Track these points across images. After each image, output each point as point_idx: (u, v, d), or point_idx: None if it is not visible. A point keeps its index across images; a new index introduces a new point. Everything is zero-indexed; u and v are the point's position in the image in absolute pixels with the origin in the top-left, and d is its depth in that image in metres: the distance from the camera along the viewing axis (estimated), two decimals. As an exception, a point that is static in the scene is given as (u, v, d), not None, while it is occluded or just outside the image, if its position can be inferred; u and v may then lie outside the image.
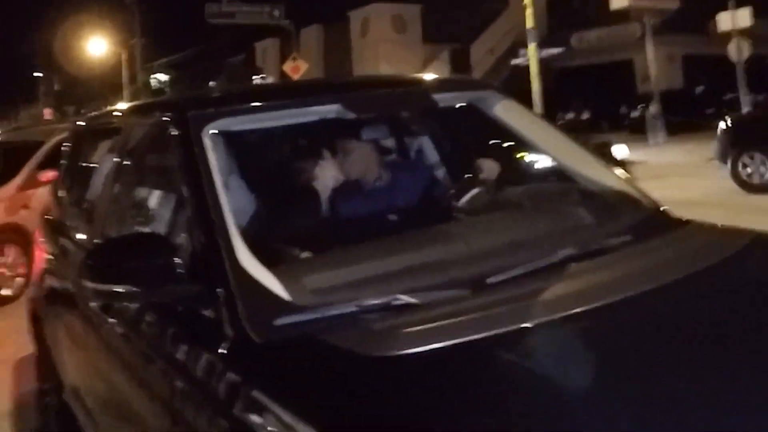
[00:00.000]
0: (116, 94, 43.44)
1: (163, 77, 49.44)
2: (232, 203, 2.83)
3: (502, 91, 3.64)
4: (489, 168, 3.79)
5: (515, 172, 4.23)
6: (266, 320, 2.27)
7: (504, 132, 3.59)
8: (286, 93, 3.73)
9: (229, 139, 3.45)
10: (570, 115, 29.14)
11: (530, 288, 2.40)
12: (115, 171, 3.87)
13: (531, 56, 21.08)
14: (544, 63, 23.06)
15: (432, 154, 4.34)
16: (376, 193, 3.77)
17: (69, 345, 4.10)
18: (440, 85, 3.69)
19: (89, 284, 2.52)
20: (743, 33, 22.61)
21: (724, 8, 23.05)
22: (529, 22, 21.09)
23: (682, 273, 2.44)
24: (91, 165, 4.66)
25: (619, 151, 9.57)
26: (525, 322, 2.15)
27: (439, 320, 2.20)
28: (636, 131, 25.09)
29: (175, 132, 2.98)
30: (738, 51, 22.48)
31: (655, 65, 24.87)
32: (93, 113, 5.88)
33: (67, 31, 44.47)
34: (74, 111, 58.00)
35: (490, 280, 2.44)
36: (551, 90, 26.37)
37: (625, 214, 3.01)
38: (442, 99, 3.45)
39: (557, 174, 3.60)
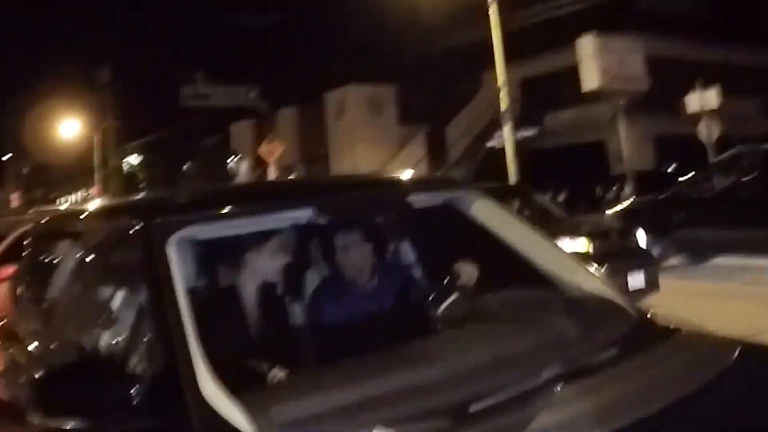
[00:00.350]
0: (87, 178, 43.22)
1: (135, 160, 49.17)
2: (201, 309, 2.72)
3: (480, 191, 3.63)
4: (468, 272, 3.63)
5: (494, 277, 3.96)
6: None
7: (482, 233, 3.52)
8: (258, 196, 3.57)
9: (197, 243, 3.34)
10: (546, 197, 29.08)
11: (516, 417, 2.29)
12: (77, 273, 3.74)
13: (507, 138, 21.15)
14: (518, 144, 23.20)
15: (409, 256, 4.24)
16: (353, 299, 3.72)
17: None
18: (416, 186, 3.65)
19: (35, 419, 2.37)
20: (712, 113, 22.88)
21: (693, 88, 23.39)
22: (503, 104, 21.25)
23: (676, 395, 2.37)
24: (53, 264, 4.45)
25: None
26: None
27: None
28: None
29: (137, 241, 2.90)
30: (708, 131, 22.68)
31: (628, 145, 25.07)
32: (56, 210, 5.78)
33: (37, 112, 43.78)
34: (43, 195, 57.42)
35: (473, 408, 2.33)
36: (526, 171, 26.53)
37: (610, 324, 2.92)
38: (419, 200, 3.42)
39: (537, 278, 3.48)
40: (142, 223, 2.91)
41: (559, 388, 2.39)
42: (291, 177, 34.92)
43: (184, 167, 46.24)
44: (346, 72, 33.24)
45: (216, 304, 3.40)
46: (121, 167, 45.66)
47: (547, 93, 31.58)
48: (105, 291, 3.37)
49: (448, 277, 3.56)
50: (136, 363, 2.65)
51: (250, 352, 3.14)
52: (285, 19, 34.26)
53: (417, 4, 25.08)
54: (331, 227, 3.66)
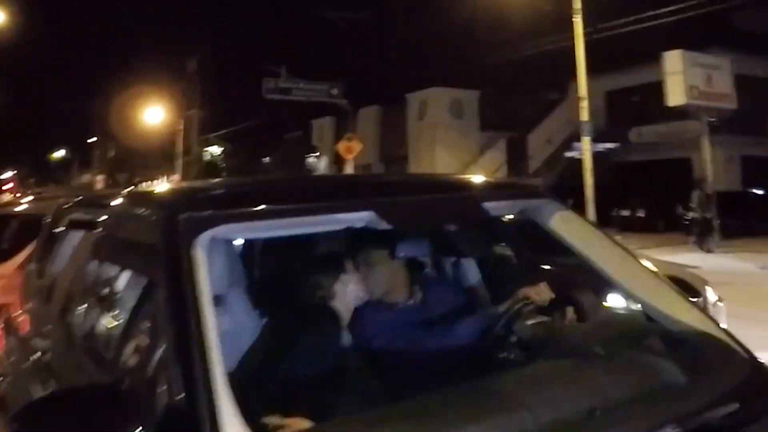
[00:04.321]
0: (169, 164, 44.26)
1: (217, 150, 49.79)
2: (228, 323, 2.46)
3: (560, 201, 3.22)
4: (542, 294, 3.23)
5: (575, 302, 3.74)
6: None
7: (562, 249, 3.11)
8: (306, 193, 2.94)
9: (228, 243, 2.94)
10: (625, 212, 28.64)
11: None
12: (91, 269, 3.40)
13: (584, 150, 20.83)
14: (600, 157, 22.76)
15: (473, 272, 3.88)
16: (405, 319, 3.29)
17: None
18: (491, 191, 3.22)
19: None
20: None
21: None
22: (583, 115, 20.88)
23: None
24: (67, 249, 4.18)
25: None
26: None
27: None
28: (692, 233, 24.53)
29: (160, 237, 2.46)
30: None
31: (712, 165, 24.47)
32: (83, 193, 5.35)
33: (125, 98, 45.13)
34: (126, 179, 58.69)
35: None
36: (607, 185, 26.06)
37: (719, 370, 2.51)
38: (493, 208, 3.00)
39: (625, 305, 3.22)
40: (167, 217, 2.50)
41: None
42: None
43: (265, 160, 46.57)
44: (429, 74, 33.09)
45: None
46: (202, 156, 46.27)
47: (633, 107, 31.05)
48: (120, 296, 3.02)
49: (519, 299, 3.19)
50: (143, 392, 2.27)
51: (283, 375, 2.80)
52: (370, 16, 34.17)
53: (505, 9, 24.87)
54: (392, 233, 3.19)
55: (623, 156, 30.96)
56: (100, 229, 3.42)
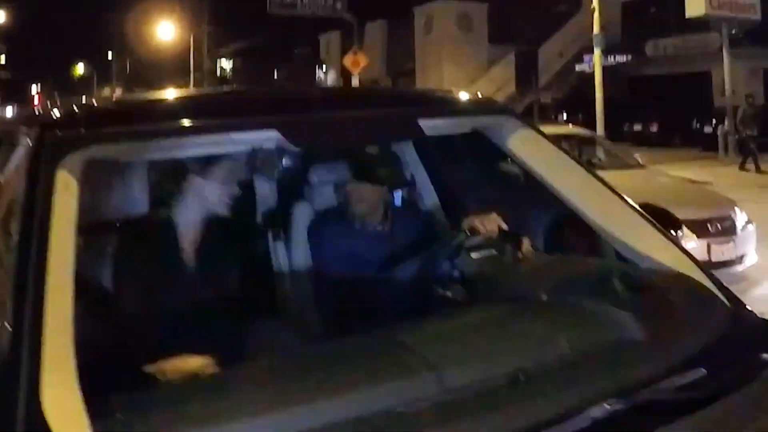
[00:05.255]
0: (183, 78, 45.07)
1: (228, 64, 50.27)
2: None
3: (519, 117, 2.86)
4: (488, 224, 2.97)
5: (533, 233, 3.39)
6: None
7: (520, 172, 2.89)
8: (199, 111, 2.46)
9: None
10: (638, 127, 27.99)
11: None
12: None
13: (596, 63, 20.14)
14: (612, 70, 22.07)
15: (429, 194, 3.69)
16: (371, 247, 3.18)
17: None
18: (435, 106, 2.83)
19: None
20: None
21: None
22: (596, 27, 20.18)
23: None
24: None
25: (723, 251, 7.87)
26: None
27: None
28: (709, 148, 23.78)
29: (26, 157, 2.17)
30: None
31: (733, 78, 23.59)
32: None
33: (139, 14, 46.40)
34: (143, 92, 59.75)
35: None
36: (620, 99, 25.32)
37: (691, 324, 2.09)
38: (435, 126, 2.62)
39: (591, 238, 2.84)
40: (36, 136, 2.21)
41: None
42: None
43: (275, 74, 46.46)
44: (436, -14, 32.37)
45: (128, 252, 2.71)
46: (214, 70, 46.70)
47: (650, 18, 30.18)
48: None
49: (463, 229, 2.96)
50: None
51: (181, 320, 2.55)
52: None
53: None
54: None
55: (638, 69, 30.21)
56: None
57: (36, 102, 69.80)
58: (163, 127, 2.27)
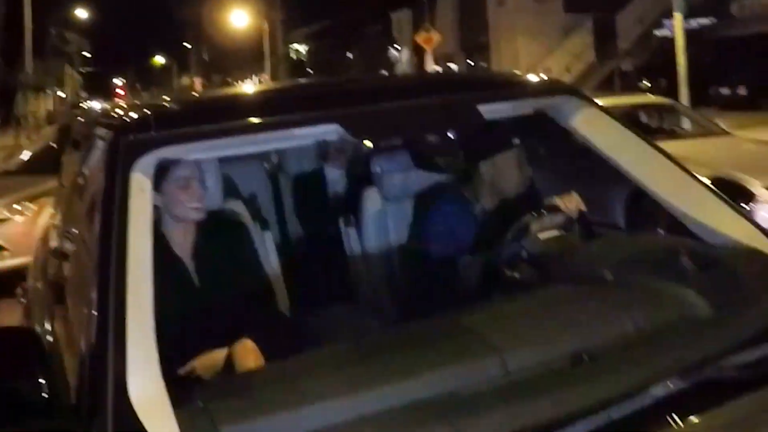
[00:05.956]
0: (259, 64, 46.93)
1: (301, 48, 51.06)
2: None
3: (583, 96, 2.89)
4: (570, 203, 3.05)
5: (604, 212, 3.29)
6: None
7: (587, 153, 2.81)
8: (261, 108, 2.62)
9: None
10: (725, 91, 27.08)
11: None
12: (72, 190, 3.37)
13: (677, 27, 19.28)
14: (696, 34, 21.22)
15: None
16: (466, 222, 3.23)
17: None
18: (493, 91, 2.84)
19: None
20: None
21: None
22: (676, -12, 19.33)
23: None
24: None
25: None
26: None
27: None
28: None
29: (104, 161, 2.33)
30: None
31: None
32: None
33: (213, 4, 48.30)
34: (221, 80, 61.99)
35: None
36: (705, 63, 24.39)
37: (761, 299, 2.07)
38: (495, 110, 2.67)
39: (662, 216, 2.92)
40: (111, 140, 2.36)
41: (676, 420, 1.65)
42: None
43: (348, 56, 46.68)
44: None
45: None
46: (289, 55, 47.45)
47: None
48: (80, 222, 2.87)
49: (542, 211, 2.99)
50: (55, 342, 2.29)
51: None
52: None
53: None
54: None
55: (724, 31, 29.11)
56: (81, 152, 3.37)
57: (120, 93, 72.88)
58: (228, 126, 2.39)
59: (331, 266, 3.88)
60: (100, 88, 71.60)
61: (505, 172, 3.20)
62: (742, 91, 26.99)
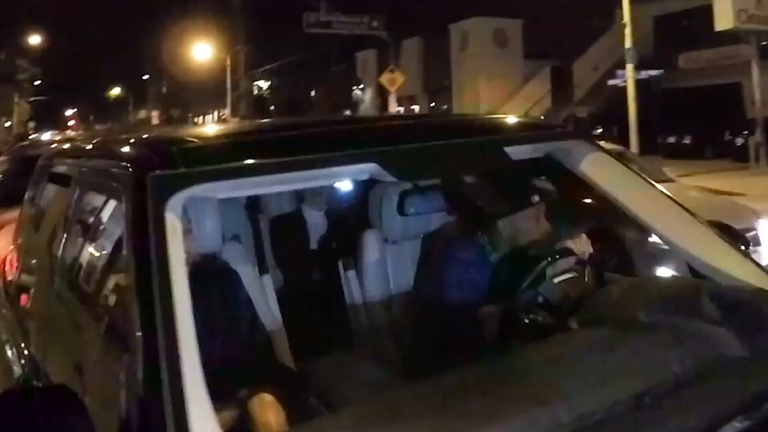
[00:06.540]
0: (220, 99, 45.12)
1: (265, 84, 50.08)
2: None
3: (591, 141, 2.95)
4: (581, 245, 3.08)
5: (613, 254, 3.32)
6: None
7: (597, 196, 2.85)
8: (297, 145, 2.48)
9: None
10: (671, 139, 28.23)
11: None
12: (64, 226, 3.20)
13: (628, 77, 20.54)
14: (646, 83, 22.20)
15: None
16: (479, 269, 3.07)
17: None
18: (515, 133, 2.93)
19: None
20: None
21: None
22: (627, 42, 20.58)
23: None
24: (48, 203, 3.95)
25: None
26: None
27: None
28: (741, 159, 24.11)
29: (128, 199, 2.16)
30: None
31: (762, 89, 23.83)
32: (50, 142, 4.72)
33: (174, 36, 45.91)
34: (180, 114, 59.77)
35: None
36: (653, 112, 25.48)
37: None
38: (516, 152, 2.66)
39: (669, 258, 2.91)
40: (135, 176, 2.17)
41: None
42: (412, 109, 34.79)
43: (312, 93, 46.65)
44: (471, 4, 32.43)
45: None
46: (251, 90, 46.60)
47: (682, 32, 30.22)
48: (93, 268, 2.77)
49: (554, 254, 2.90)
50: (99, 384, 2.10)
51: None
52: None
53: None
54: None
55: (671, 82, 30.25)
56: (76, 186, 3.18)
57: (71, 124, 69.36)
58: (265, 164, 2.25)
59: (330, 312, 3.75)
60: (51, 118, 68.24)
61: (523, 229, 3.10)
62: (687, 140, 27.79)
